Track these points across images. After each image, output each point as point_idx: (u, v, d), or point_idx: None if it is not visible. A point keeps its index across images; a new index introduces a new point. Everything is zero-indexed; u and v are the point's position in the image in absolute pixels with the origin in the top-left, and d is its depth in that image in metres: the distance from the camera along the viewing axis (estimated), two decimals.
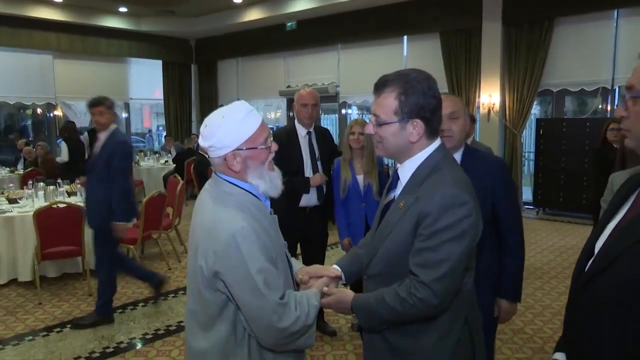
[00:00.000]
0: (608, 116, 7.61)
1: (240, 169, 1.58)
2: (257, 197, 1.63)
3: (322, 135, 3.88)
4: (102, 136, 4.06)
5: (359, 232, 3.58)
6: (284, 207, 3.67)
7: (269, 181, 1.62)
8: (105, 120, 4.03)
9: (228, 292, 1.51)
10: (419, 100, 1.54)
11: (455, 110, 2.18)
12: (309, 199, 3.71)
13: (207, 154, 1.63)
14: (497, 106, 8.18)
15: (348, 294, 1.68)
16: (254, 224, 1.51)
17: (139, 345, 3.87)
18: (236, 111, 1.57)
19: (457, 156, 2.22)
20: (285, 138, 3.70)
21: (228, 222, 1.49)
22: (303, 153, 3.71)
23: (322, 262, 3.81)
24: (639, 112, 1.16)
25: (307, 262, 3.88)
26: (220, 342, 1.55)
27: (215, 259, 1.48)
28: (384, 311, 1.55)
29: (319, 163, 3.75)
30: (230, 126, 1.54)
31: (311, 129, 3.76)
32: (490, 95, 8.14)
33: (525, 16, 7.80)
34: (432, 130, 1.59)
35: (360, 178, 3.66)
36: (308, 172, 3.70)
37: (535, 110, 9.78)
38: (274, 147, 1.64)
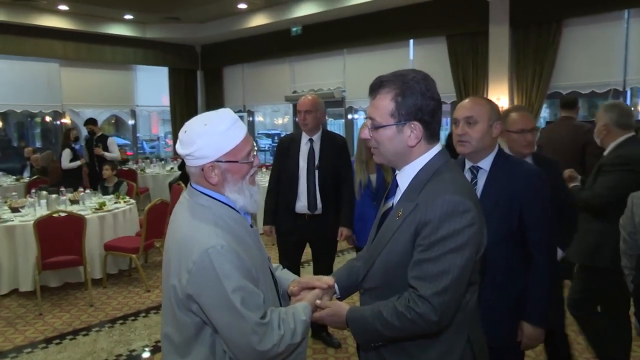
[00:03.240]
0: None
1: (217, 181, 1.48)
2: (235, 210, 1.53)
3: (331, 142, 3.75)
4: None
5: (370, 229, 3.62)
6: (283, 210, 3.73)
7: (248, 196, 1.52)
8: None
9: (203, 315, 1.40)
10: (416, 101, 1.44)
11: (472, 115, 2.08)
12: (301, 206, 3.67)
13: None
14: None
15: (343, 306, 1.57)
16: (230, 240, 1.41)
17: (138, 359, 3.77)
18: (220, 120, 1.47)
19: (488, 161, 2.13)
20: (286, 144, 3.77)
21: (202, 238, 1.39)
22: (300, 160, 3.66)
23: (329, 271, 3.74)
24: None
25: (316, 270, 3.85)
26: None
27: (188, 277, 1.37)
28: (380, 326, 1.45)
29: (317, 172, 3.65)
30: (211, 136, 1.44)
31: (314, 136, 3.68)
32: (498, 99, 7.99)
33: (532, 18, 7.66)
34: (432, 133, 1.49)
35: (373, 177, 3.70)
36: (303, 180, 3.65)
37: (545, 113, 9.62)
38: (257, 161, 1.55)
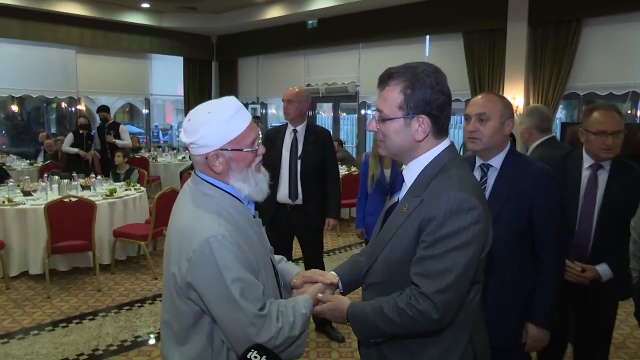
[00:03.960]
0: (638, 122, 7.30)
1: (222, 170, 1.47)
2: (239, 200, 1.51)
3: (315, 135, 3.78)
4: None
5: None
6: (267, 199, 3.74)
7: (254, 184, 1.50)
8: None
9: (202, 304, 1.39)
10: (425, 95, 1.41)
11: (484, 111, 2.03)
12: (282, 195, 3.73)
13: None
14: (520, 109, 7.93)
15: (344, 301, 1.56)
16: (232, 231, 1.39)
17: (143, 345, 3.79)
18: (224, 108, 1.45)
19: (499, 159, 2.08)
20: (273, 134, 3.87)
21: (203, 228, 1.37)
22: (284, 150, 3.74)
23: (320, 265, 3.79)
24: None
25: (306, 264, 3.87)
26: (196, 356, 1.43)
27: (188, 266, 1.36)
28: (380, 322, 1.43)
29: (298, 162, 3.71)
30: (215, 124, 1.42)
31: (298, 127, 3.75)
32: (514, 98, 7.90)
33: (552, 17, 7.53)
34: (440, 128, 1.46)
35: (387, 172, 3.75)
36: (285, 169, 3.72)
37: (561, 114, 9.49)
38: (262, 149, 1.53)
